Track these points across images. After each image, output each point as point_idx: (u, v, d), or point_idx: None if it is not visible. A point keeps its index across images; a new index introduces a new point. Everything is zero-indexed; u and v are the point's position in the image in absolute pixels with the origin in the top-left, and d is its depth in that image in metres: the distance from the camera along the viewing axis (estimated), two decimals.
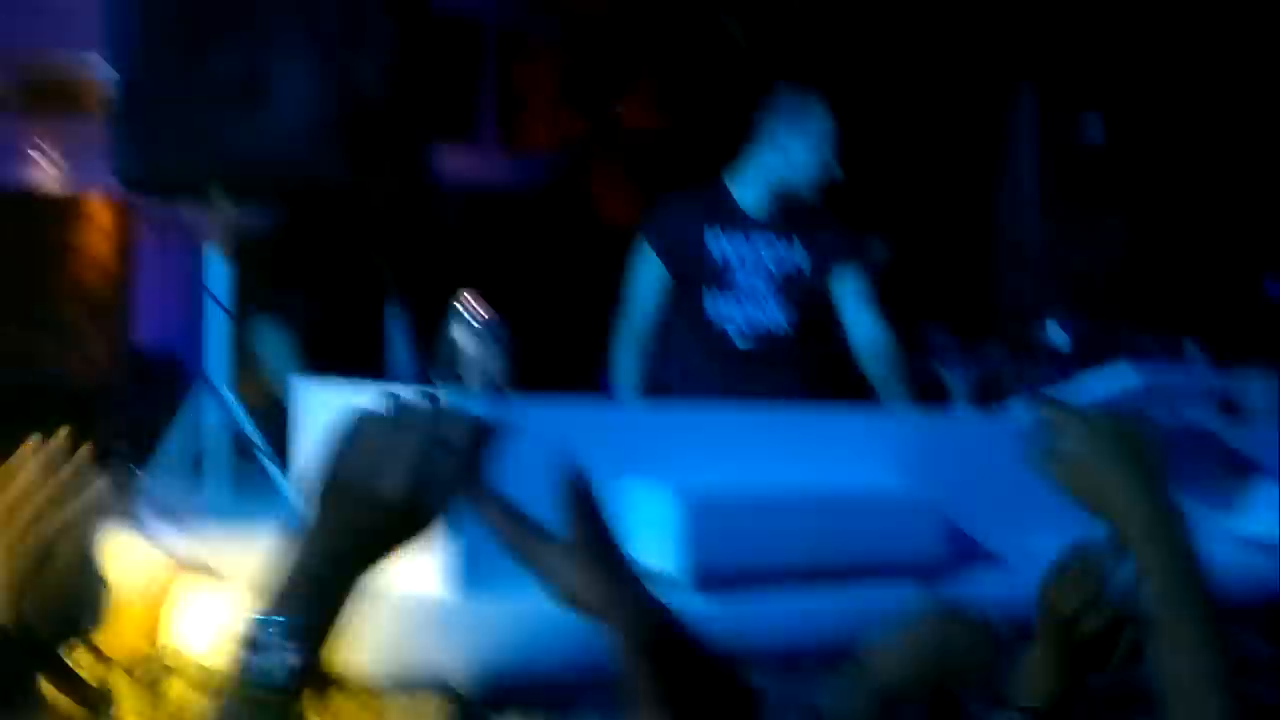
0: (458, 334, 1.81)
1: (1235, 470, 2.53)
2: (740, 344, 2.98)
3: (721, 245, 2.99)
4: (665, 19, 7.43)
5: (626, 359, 2.96)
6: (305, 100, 2.61)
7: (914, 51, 7.81)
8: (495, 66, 9.32)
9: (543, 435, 1.87)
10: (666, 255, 2.98)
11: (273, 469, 2.49)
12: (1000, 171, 4.00)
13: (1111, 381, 2.16)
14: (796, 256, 3.01)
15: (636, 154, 7.99)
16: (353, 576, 0.93)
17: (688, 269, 2.98)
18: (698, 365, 2.94)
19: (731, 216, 3.01)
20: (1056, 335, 3.54)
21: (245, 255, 2.78)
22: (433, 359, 1.90)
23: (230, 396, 2.60)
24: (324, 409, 2.27)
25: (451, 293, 1.89)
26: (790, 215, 3.01)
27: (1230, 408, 3.21)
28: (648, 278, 2.99)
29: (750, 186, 3.02)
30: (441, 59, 5.87)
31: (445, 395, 1.66)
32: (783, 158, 2.96)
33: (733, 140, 3.08)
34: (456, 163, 6.04)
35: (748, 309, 3.00)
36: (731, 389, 2.78)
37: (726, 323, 2.98)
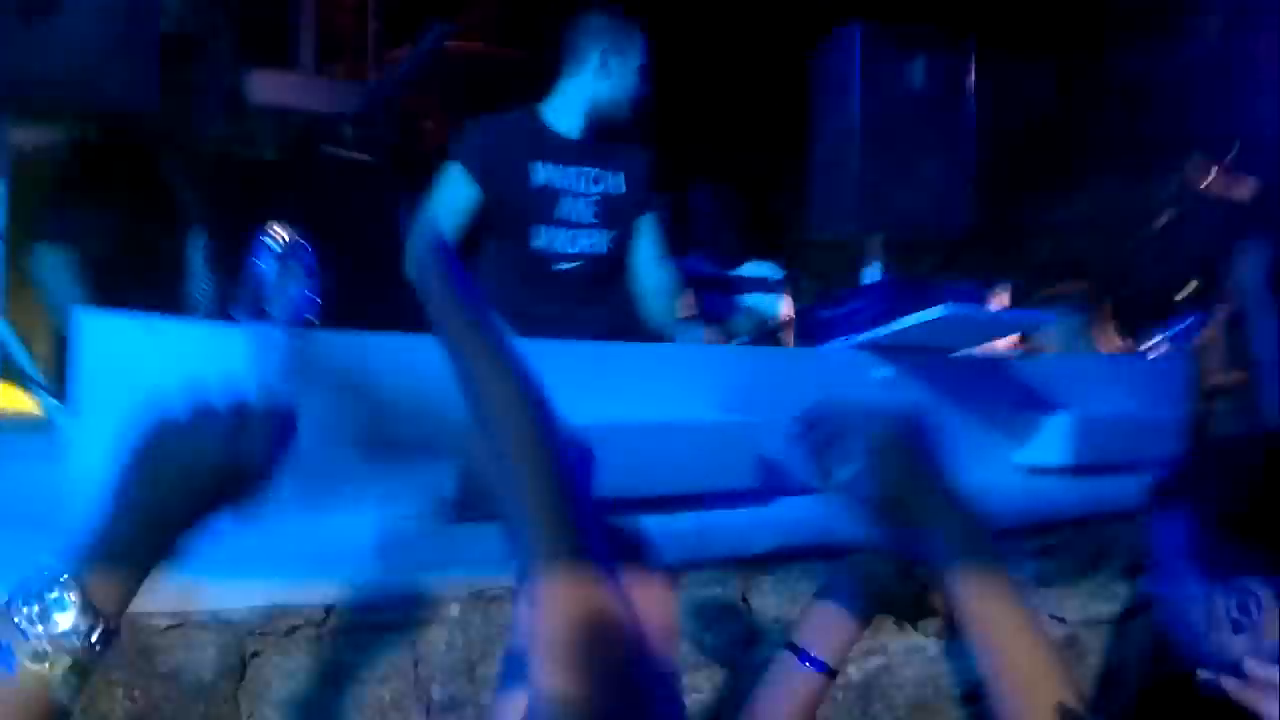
0: (263, 264, 1.72)
1: (1028, 403, 2.68)
2: (561, 267, 3.04)
3: (544, 174, 3.02)
4: None
5: None
6: (100, 15, 2.45)
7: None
8: None
9: (353, 368, 1.83)
10: (485, 180, 2.98)
11: (47, 401, 2.34)
12: (823, 113, 4.07)
13: (924, 313, 2.24)
14: (614, 181, 3.10)
15: (457, 80, 7.83)
16: (159, 545, 0.90)
17: (507, 197, 3.00)
18: (516, 290, 2.95)
19: (552, 144, 3.05)
20: (873, 274, 3.67)
21: (28, 176, 2.59)
22: (235, 290, 1.80)
23: (2, 323, 2.42)
24: (106, 342, 2.14)
25: (260, 221, 1.80)
26: (608, 139, 3.08)
27: (1027, 343, 3.42)
28: (458, 199, 2.98)
29: (567, 112, 3.06)
30: None
31: (248, 330, 1.58)
32: (602, 81, 3.02)
33: (553, 66, 3.10)
34: (271, 89, 5.77)
35: (569, 235, 3.06)
36: (552, 313, 2.83)
37: (547, 249, 3.03)
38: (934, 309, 2.27)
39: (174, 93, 2.99)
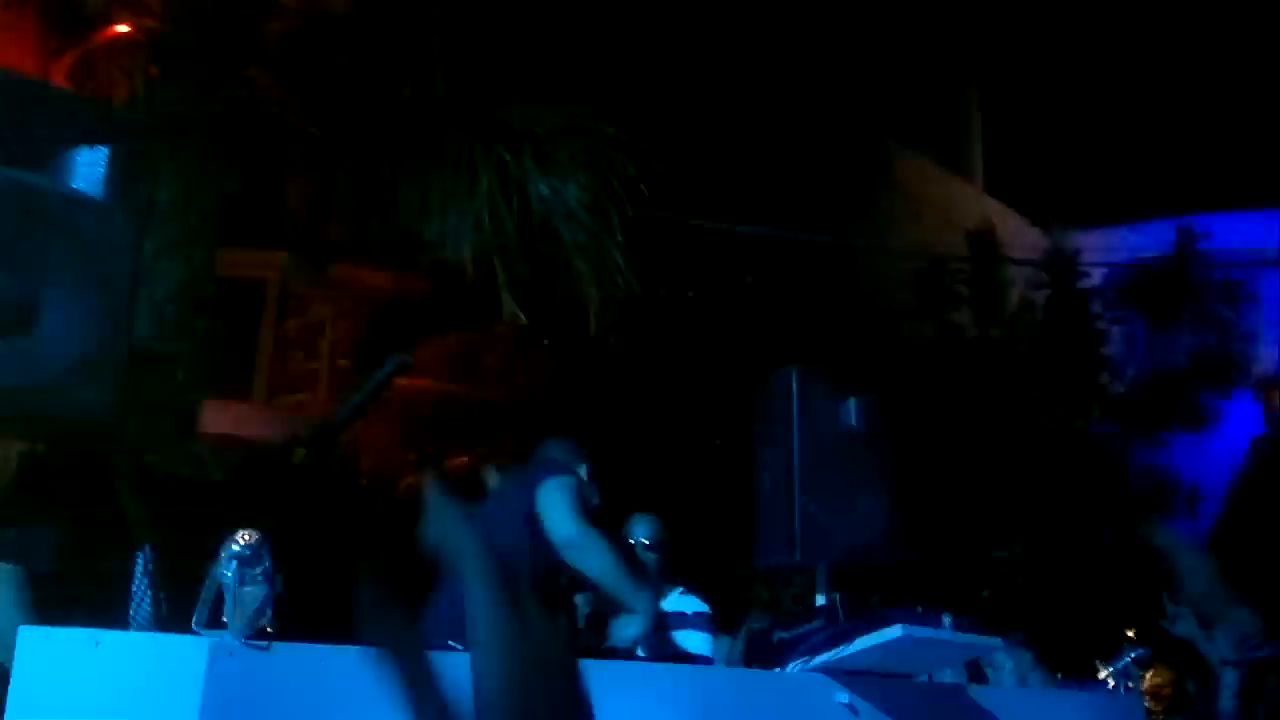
0: (225, 569, 1.69)
1: None
2: None
3: None
4: (447, 295, 7.69)
5: None
6: (73, 332, 2.52)
7: (684, 344, 8.34)
8: (274, 327, 9.29)
9: (308, 680, 1.77)
10: None
11: None
12: (765, 450, 4.21)
13: (880, 634, 2.23)
14: None
15: (407, 416, 8.01)
16: None
17: None
18: None
19: None
20: (822, 599, 3.66)
21: None
22: (177, 608, 1.77)
23: None
24: (52, 657, 2.05)
25: (209, 541, 1.79)
26: None
27: (978, 673, 3.39)
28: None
29: None
30: (223, 316, 5.82)
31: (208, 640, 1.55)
32: None
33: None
34: (225, 418, 5.85)
35: None
36: None
37: None
38: (889, 630, 2.28)
39: (131, 410, 3.03)
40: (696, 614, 4.45)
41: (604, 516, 3.69)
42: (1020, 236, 13.81)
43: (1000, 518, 7.67)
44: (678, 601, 4.50)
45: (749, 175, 9.70)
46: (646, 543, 4.53)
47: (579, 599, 4.46)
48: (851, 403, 4.25)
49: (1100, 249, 12.66)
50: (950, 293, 11.76)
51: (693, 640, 4.37)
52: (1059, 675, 4.59)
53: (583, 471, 3.81)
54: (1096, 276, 12.37)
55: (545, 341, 8.48)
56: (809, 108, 11.10)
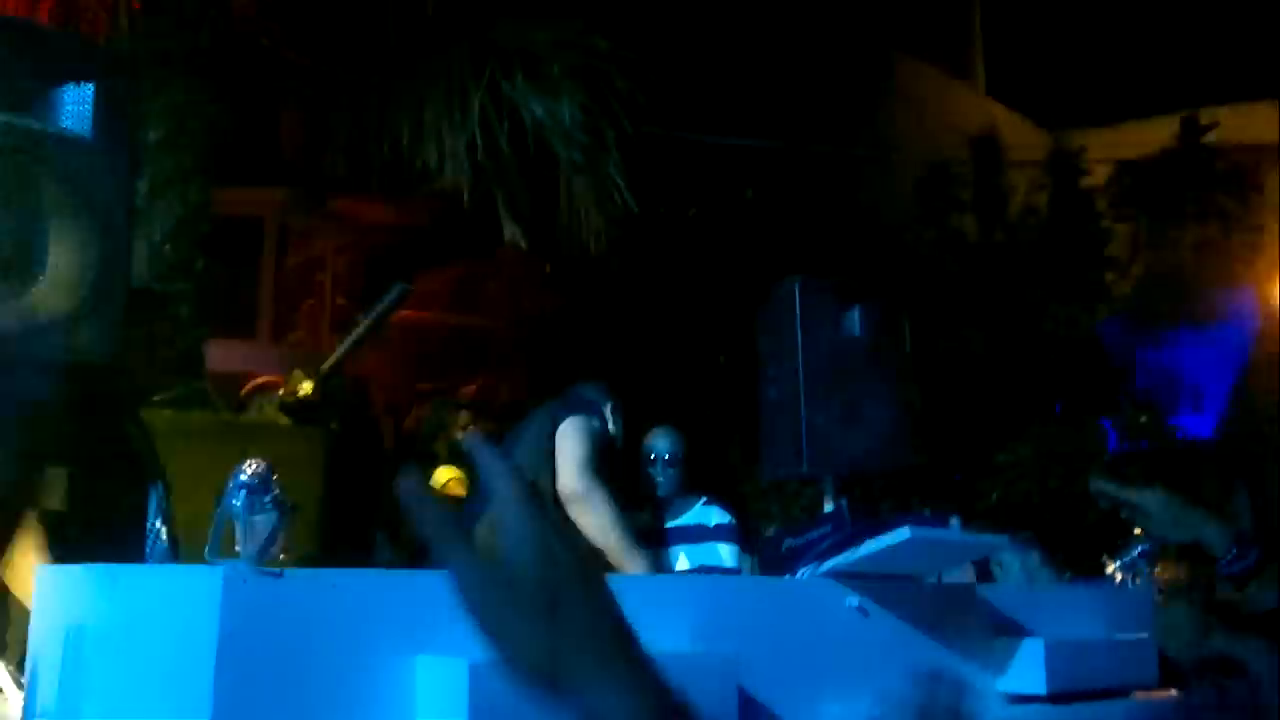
0: (234, 499, 1.71)
1: (995, 629, 2.66)
2: None
3: None
4: (447, 223, 7.66)
5: None
6: (74, 274, 2.52)
7: (686, 261, 8.31)
8: (274, 264, 9.28)
9: (323, 607, 1.79)
10: None
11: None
12: (768, 364, 4.22)
13: (887, 537, 2.26)
14: None
15: (412, 347, 8.05)
16: None
17: None
18: None
19: None
20: (831, 505, 3.70)
21: None
22: (197, 540, 1.79)
23: None
24: (67, 599, 2.09)
25: (220, 477, 1.81)
26: None
27: (985, 572, 3.43)
28: None
29: None
30: (222, 254, 5.81)
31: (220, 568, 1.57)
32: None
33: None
34: (230, 356, 5.88)
35: None
36: None
37: None
38: (897, 532, 2.30)
39: (134, 348, 3.04)
40: (719, 525, 4.49)
41: (625, 444, 3.73)
42: (1023, 138, 13.65)
43: (1006, 421, 7.71)
44: (700, 513, 4.53)
45: (746, 87, 9.57)
46: (666, 457, 4.58)
47: None
48: (855, 311, 4.24)
49: (1104, 147, 12.52)
50: (953, 198, 11.68)
51: (717, 552, 4.41)
52: (1068, 574, 4.65)
53: (609, 409, 3.82)
54: (1100, 176, 12.26)
55: (547, 267, 8.46)
56: (805, 15, 10.90)
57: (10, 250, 2.45)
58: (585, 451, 3.50)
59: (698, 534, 4.48)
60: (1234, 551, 2.15)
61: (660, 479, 4.52)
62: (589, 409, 3.69)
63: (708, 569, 4.27)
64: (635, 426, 4.87)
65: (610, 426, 3.67)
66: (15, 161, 2.47)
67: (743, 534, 4.50)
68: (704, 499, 4.53)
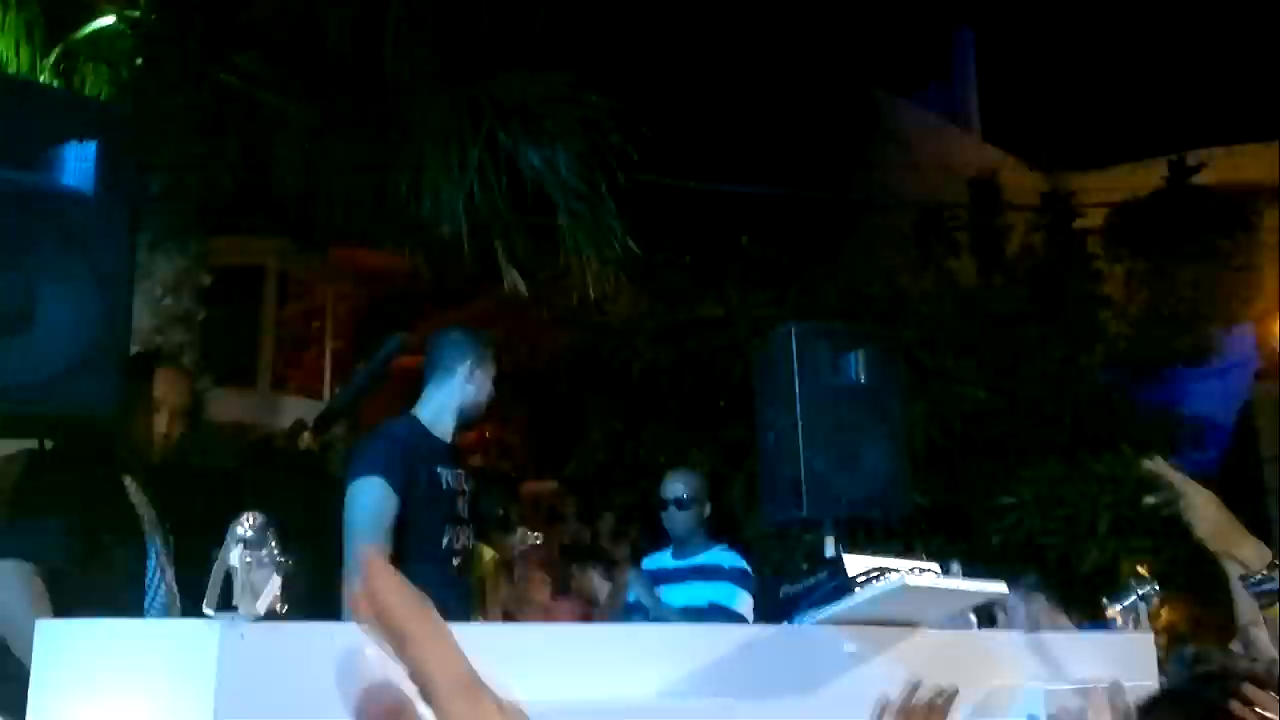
0: (232, 553, 1.72)
1: (994, 675, 2.66)
2: (455, 562, 3.26)
3: (445, 477, 3.26)
4: (446, 271, 7.71)
5: None
6: (71, 329, 2.54)
7: (684, 297, 8.35)
8: (275, 312, 9.32)
9: (322, 659, 1.79)
10: (405, 489, 3.13)
11: None
12: (767, 411, 4.24)
13: (883, 584, 2.26)
14: (470, 480, 3.41)
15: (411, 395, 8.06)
16: None
17: (425, 501, 3.19)
18: (436, 590, 2.95)
19: (438, 449, 3.32)
20: (831, 552, 3.69)
21: None
22: (190, 594, 1.80)
23: None
24: (68, 649, 2.09)
25: (221, 529, 1.82)
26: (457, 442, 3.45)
27: (988, 617, 3.41)
28: (384, 512, 3.10)
29: (441, 418, 3.35)
30: (222, 303, 5.85)
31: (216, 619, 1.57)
32: (473, 388, 3.36)
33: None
34: (231, 406, 5.89)
35: (461, 530, 3.27)
36: (452, 608, 2.87)
37: (450, 546, 3.22)
38: (892, 581, 2.30)
39: (136, 408, 3.06)
40: (733, 568, 4.56)
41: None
42: (1018, 181, 13.76)
43: (1007, 463, 7.71)
44: (717, 555, 4.62)
45: (743, 135, 9.67)
46: (681, 499, 4.67)
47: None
48: (852, 356, 4.26)
49: (1099, 190, 12.62)
50: (950, 240, 11.75)
51: (727, 592, 4.46)
52: (1072, 618, 4.63)
53: (467, 366, 3.49)
54: (1095, 219, 12.34)
55: (545, 313, 8.50)
56: (802, 61, 11.04)
57: (10, 305, 2.48)
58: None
59: (712, 573, 4.57)
60: (1265, 573, 2.14)
61: (675, 519, 4.65)
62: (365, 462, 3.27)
63: (718, 607, 4.32)
64: (647, 471, 4.89)
65: (469, 386, 3.37)
66: (15, 217, 2.50)
67: (753, 582, 4.54)
68: (724, 545, 4.65)
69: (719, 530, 5.01)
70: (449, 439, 3.38)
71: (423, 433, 3.32)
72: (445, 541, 3.20)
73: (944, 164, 13.70)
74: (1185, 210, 11.76)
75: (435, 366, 3.42)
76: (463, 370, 3.36)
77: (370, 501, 3.10)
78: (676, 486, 4.74)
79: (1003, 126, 16.74)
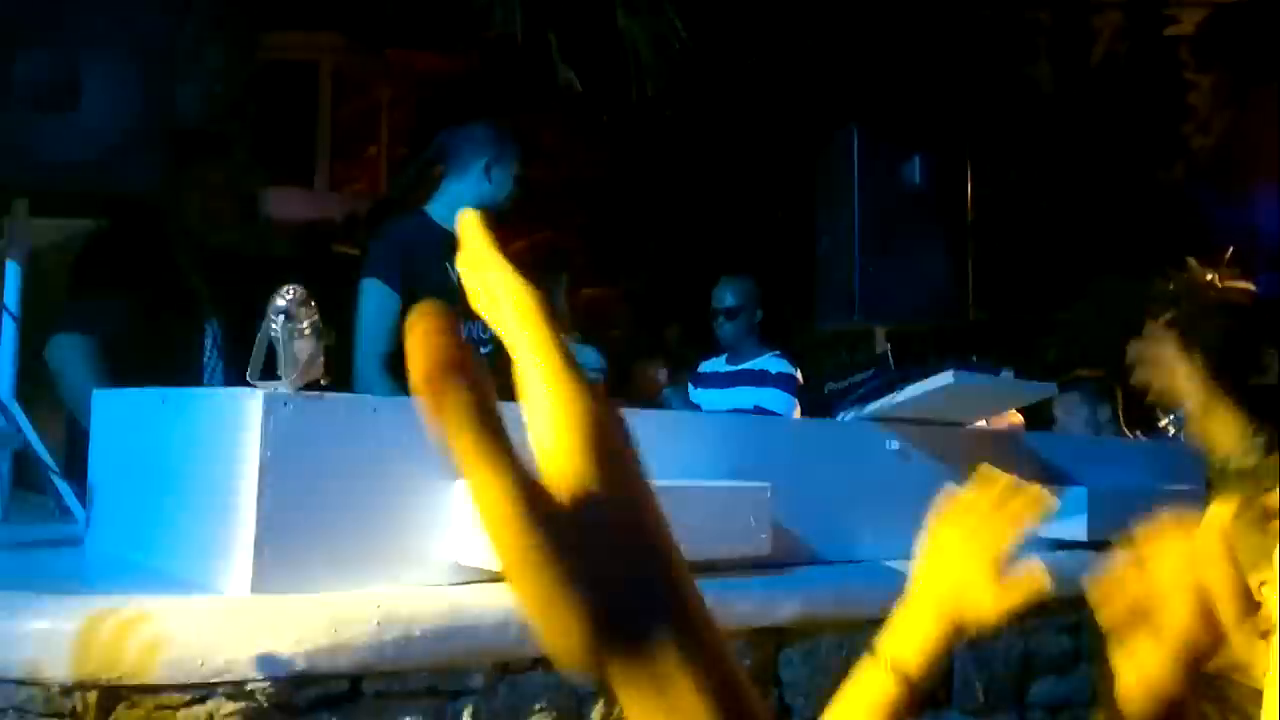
0: (274, 324, 1.73)
1: (1043, 476, 2.65)
2: (485, 351, 3.18)
3: (453, 273, 3.13)
4: (502, 72, 7.52)
5: (385, 387, 2.97)
6: (116, 108, 2.52)
7: (744, 99, 8.10)
8: (330, 112, 9.22)
9: (364, 431, 1.83)
10: (408, 288, 3.07)
11: (63, 486, 2.35)
12: (825, 212, 4.14)
13: (931, 381, 2.23)
14: None
15: None
16: None
17: (433, 297, 3.09)
18: None
19: (448, 244, 3.16)
20: (882, 350, 3.67)
21: (45, 268, 2.65)
22: (246, 365, 1.82)
23: (17, 411, 2.44)
24: (124, 416, 2.16)
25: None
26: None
27: (1050, 417, 3.39)
28: (387, 314, 3.05)
29: (455, 214, 3.14)
30: (277, 99, 5.78)
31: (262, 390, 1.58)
32: (485, 186, 3.25)
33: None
34: (287, 204, 5.90)
35: (479, 323, 3.13)
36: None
37: (470, 337, 3.14)
38: (941, 377, 2.27)
39: (191, 188, 3.06)
40: (780, 374, 4.58)
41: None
42: None
43: (1070, 278, 7.54)
44: (766, 361, 4.64)
45: None
46: (729, 306, 4.67)
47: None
48: (915, 160, 4.13)
49: None
50: (1028, 44, 11.18)
51: (769, 397, 4.50)
52: (1136, 431, 4.59)
53: (485, 164, 3.38)
54: (1189, 24, 11.63)
55: (604, 117, 8.31)
56: None
57: (55, 82, 2.46)
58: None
59: (759, 378, 4.59)
60: None
61: (725, 328, 4.66)
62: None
63: (762, 411, 4.36)
64: (701, 278, 4.85)
65: (486, 183, 3.28)
66: None
67: (800, 388, 4.56)
68: (776, 352, 4.64)
69: (774, 337, 5.00)
70: None
71: (432, 227, 3.24)
72: (463, 334, 3.23)
73: None
74: None
75: (452, 161, 3.34)
76: (479, 166, 3.28)
77: (370, 304, 3.09)
78: (725, 295, 4.73)
79: None
